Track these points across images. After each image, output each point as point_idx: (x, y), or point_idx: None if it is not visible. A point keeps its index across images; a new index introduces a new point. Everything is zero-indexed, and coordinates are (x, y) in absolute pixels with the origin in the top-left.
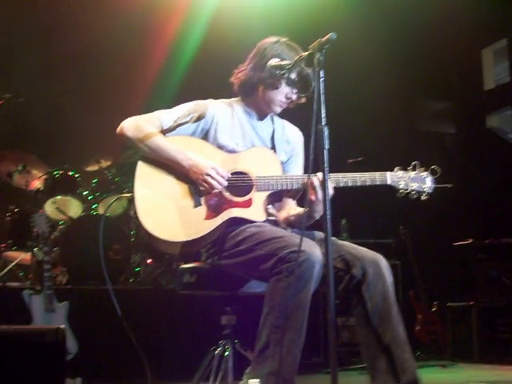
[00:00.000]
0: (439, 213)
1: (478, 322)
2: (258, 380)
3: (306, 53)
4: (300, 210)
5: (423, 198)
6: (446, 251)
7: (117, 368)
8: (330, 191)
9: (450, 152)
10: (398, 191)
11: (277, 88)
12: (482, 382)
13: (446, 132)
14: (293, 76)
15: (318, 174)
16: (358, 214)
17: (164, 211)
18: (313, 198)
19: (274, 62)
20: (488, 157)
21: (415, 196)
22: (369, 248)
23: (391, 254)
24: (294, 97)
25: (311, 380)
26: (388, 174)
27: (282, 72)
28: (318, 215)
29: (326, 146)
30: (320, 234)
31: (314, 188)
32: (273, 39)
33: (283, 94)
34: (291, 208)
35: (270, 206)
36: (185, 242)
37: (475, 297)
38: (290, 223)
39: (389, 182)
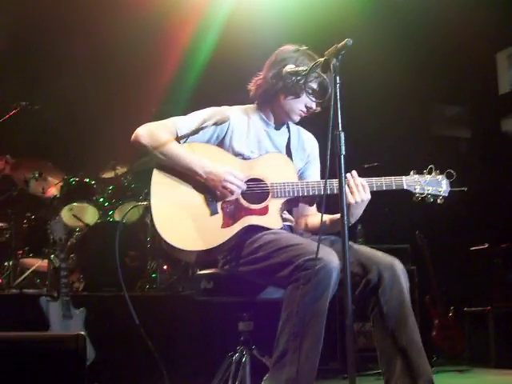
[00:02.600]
0: (455, 218)
1: (494, 327)
2: None
3: (322, 59)
4: (325, 216)
5: (439, 201)
6: (462, 256)
7: (134, 375)
8: (368, 195)
9: (466, 156)
10: (414, 195)
11: (298, 97)
12: None
13: (461, 136)
14: (313, 85)
15: (352, 173)
16: (374, 218)
17: (180, 219)
18: (352, 200)
19: (290, 68)
20: (503, 161)
21: (431, 200)
22: (385, 253)
23: (407, 259)
24: (314, 106)
25: None
26: (404, 178)
27: (298, 78)
28: (353, 219)
29: (343, 152)
30: (336, 240)
31: (352, 189)
32: (292, 47)
33: (303, 103)
34: (313, 214)
35: (285, 212)
36: (202, 250)
37: (492, 302)
38: (315, 229)
39: (405, 187)
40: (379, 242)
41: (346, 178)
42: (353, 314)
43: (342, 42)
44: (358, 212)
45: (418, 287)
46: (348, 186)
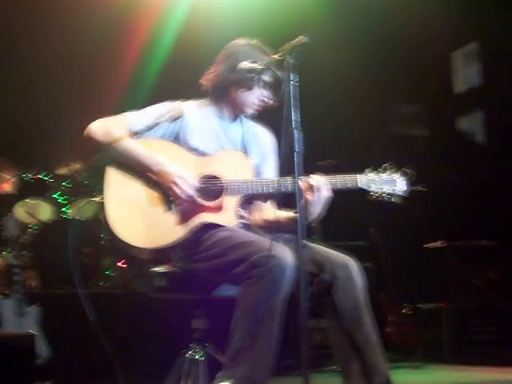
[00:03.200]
0: (410, 215)
1: (448, 323)
2: (228, 383)
3: (277, 55)
4: (282, 213)
5: (394, 199)
6: (417, 253)
7: (89, 372)
8: (327, 193)
9: (423, 155)
10: (369, 193)
11: (250, 89)
12: None
13: (418, 135)
14: (266, 78)
15: (313, 176)
16: (329, 216)
17: (134, 216)
18: (310, 197)
19: (244, 64)
20: (458, 159)
21: (386, 198)
22: (340, 250)
23: (363, 256)
24: (267, 99)
25: (284, 382)
26: (358, 176)
27: (253, 75)
28: (312, 217)
29: (297, 149)
30: (291, 237)
31: (311, 188)
32: (243, 41)
33: (256, 96)
34: (267, 210)
35: (240, 209)
36: (155, 247)
37: (446, 298)
38: (270, 226)
39: (359, 185)
40: (335, 239)
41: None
42: (307, 311)
43: (296, 39)
44: (316, 210)
45: (374, 284)
46: (307, 183)
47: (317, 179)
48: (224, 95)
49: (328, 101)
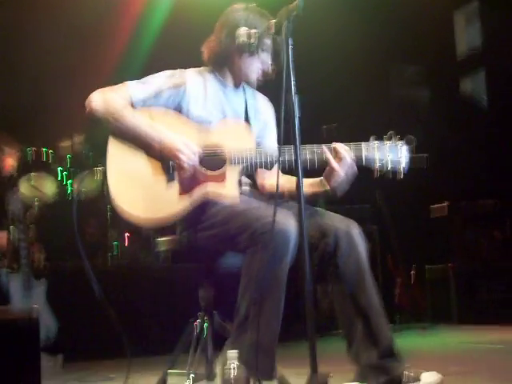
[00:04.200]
0: (415, 176)
1: (456, 284)
2: (236, 351)
3: (274, 20)
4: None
5: (399, 176)
6: (422, 215)
7: (97, 343)
8: (352, 161)
9: (424, 116)
10: (374, 162)
11: (252, 56)
12: None
13: (420, 96)
14: (267, 43)
15: (336, 144)
16: None
17: (137, 188)
18: (335, 165)
19: (242, 31)
20: (461, 120)
21: (391, 167)
22: (345, 213)
23: (368, 218)
24: (270, 63)
25: (291, 348)
26: (363, 144)
27: (253, 41)
28: (337, 185)
29: (297, 114)
30: (293, 204)
31: (336, 155)
32: (241, 6)
33: (260, 61)
34: (273, 176)
35: (243, 178)
36: (159, 218)
37: (453, 260)
38: (285, 193)
39: (364, 153)
40: (339, 202)
41: (300, 141)
42: (311, 277)
43: (293, 3)
44: (341, 178)
45: (379, 247)
46: (337, 156)
47: (341, 146)
48: (226, 63)
49: (329, 64)
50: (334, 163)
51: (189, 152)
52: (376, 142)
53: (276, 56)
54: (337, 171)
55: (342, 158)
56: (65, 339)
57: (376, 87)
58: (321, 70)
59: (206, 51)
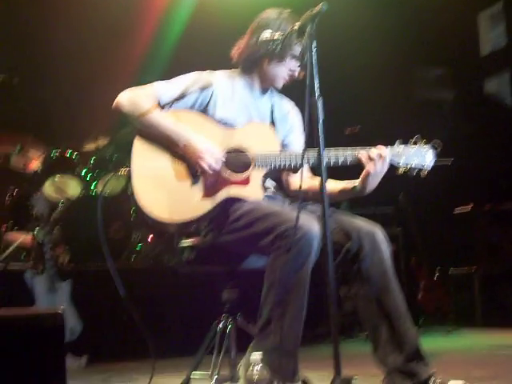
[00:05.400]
0: (439, 179)
1: (480, 287)
2: (260, 353)
3: (297, 25)
4: (332, 183)
5: (422, 175)
6: (447, 217)
7: (121, 345)
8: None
9: (450, 118)
10: (398, 169)
11: (282, 61)
12: None
13: (444, 98)
14: (296, 48)
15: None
16: None
17: (161, 191)
18: (371, 170)
19: (267, 33)
20: (487, 122)
21: (415, 172)
22: (369, 217)
23: (392, 222)
24: (297, 70)
25: (314, 351)
26: (389, 148)
27: (274, 47)
28: (369, 189)
29: (321, 118)
30: (317, 207)
31: (372, 159)
32: (275, 12)
33: (288, 68)
34: (308, 177)
35: (267, 181)
36: (183, 221)
37: (477, 262)
38: (312, 195)
39: (389, 157)
40: (363, 205)
41: (323, 144)
42: (335, 280)
43: (317, 7)
44: (375, 182)
45: (403, 250)
46: (369, 155)
47: (377, 150)
48: (255, 67)
49: (352, 66)
50: (367, 167)
51: (210, 159)
52: (402, 145)
53: (303, 60)
54: (370, 175)
55: (378, 160)
56: (89, 340)
57: (400, 89)
58: (344, 71)
59: (236, 54)
